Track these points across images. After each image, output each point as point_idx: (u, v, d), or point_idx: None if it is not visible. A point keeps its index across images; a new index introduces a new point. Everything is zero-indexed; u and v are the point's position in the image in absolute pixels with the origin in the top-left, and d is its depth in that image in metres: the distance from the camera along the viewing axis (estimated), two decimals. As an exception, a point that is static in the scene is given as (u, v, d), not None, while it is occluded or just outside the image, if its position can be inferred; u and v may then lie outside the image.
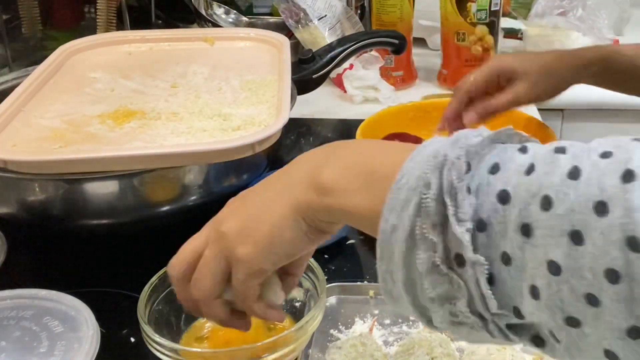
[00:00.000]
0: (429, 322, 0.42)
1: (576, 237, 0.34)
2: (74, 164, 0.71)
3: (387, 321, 0.75)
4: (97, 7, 1.29)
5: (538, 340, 0.38)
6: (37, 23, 1.37)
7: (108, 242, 0.88)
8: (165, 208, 0.83)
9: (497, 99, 0.90)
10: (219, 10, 1.50)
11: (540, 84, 0.90)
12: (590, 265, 0.33)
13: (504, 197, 0.37)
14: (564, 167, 0.36)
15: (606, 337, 0.34)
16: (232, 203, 0.55)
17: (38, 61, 0.93)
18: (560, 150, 0.37)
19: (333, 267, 0.84)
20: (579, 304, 0.34)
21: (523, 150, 0.39)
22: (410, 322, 0.75)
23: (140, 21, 1.43)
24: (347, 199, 0.46)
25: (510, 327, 0.39)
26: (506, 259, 0.37)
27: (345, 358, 0.66)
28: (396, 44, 1.04)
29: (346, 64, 1.26)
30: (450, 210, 0.38)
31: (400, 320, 0.75)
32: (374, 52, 1.31)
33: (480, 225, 0.38)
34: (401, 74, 1.39)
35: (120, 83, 0.91)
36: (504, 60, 0.93)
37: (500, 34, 1.39)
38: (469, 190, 0.38)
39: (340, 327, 0.74)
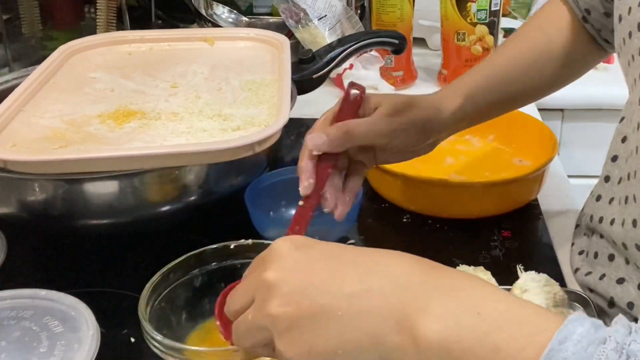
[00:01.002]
0: None
1: None
2: (74, 164, 0.71)
3: (387, 321, 0.75)
4: (97, 7, 1.29)
5: None
6: (37, 23, 1.37)
7: (108, 242, 0.88)
8: (165, 208, 0.83)
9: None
10: (219, 10, 1.50)
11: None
12: None
13: None
14: None
15: None
16: (292, 257, 0.47)
17: (38, 61, 0.93)
18: None
19: (333, 267, 0.84)
20: None
21: None
22: (410, 322, 0.75)
23: (140, 21, 1.43)
24: None
25: None
26: None
27: (345, 358, 0.66)
28: (396, 44, 1.04)
29: (346, 64, 1.26)
30: None
31: (400, 320, 0.75)
32: (374, 52, 1.31)
33: None
34: (401, 74, 1.39)
35: (120, 83, 0.91)
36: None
37: (500, 34, 1.39)
38: None
39: (340, 327, 0.74)
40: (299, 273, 0.46)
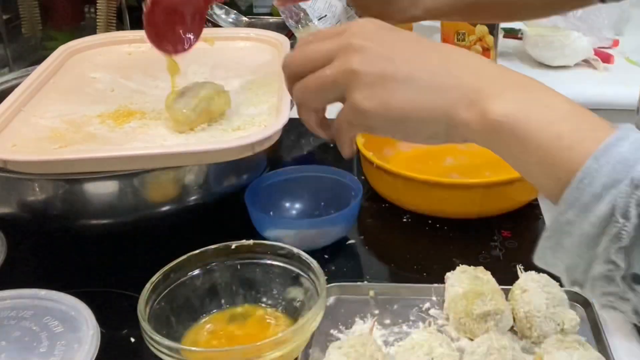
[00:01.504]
0: (575, 286, 0.46)
1: None
2: (74, 164, 0.71)
3: (387, 321, 0.75)
4: (97, 7, 1.29)
5: None
6: (37, 23, 1.37)
7: (108, 242, 0.88)
8: (165, 208, 0.83)
9: None
10: (219, 11, 1.50)
11: None
12: None
13: None
14: None
15: None
16: (378, 33, 0.51)
17: (38, 61, 0.93)
18: None
19: (333, 267, 0.84)
20: None
21: None
22: (410, 322, 0.75)
23: (140, 21, 1.42)
24: (517, 155, 0.46)
25: None
26: None
27: (345, 358, 0.66)
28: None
29: (346, 64, 1.25)
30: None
31: (400, 320, 0.75)
32: (374, 52, 1.31)
33: None
34: (401, 74, 1.39)
35: (120, 83, 0.91)
36: None
37: (500, 34, 1.39)
38: None
39: (340, 327, 0.74)
40: (384, 45, 0.50)
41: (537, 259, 0.47)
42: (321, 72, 0.51)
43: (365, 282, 0.80)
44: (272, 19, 1.56)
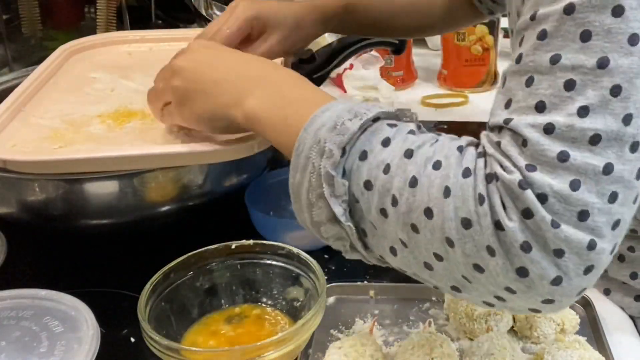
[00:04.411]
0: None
1: (414, 228, 0.49)
2: (74, 164, 0.71)
3: (387, 321, 0.75)
4: (97, 7, 1.29)
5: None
6: (37, 23, 1.37)
7: (108, 242, 0.88)
8: (165, 208, 0.83)
9: (251, 51, 0.82)
10: (219, 11, 1.50)
11: (292, 37, 0.85)
12: (425, 247, 0.50)
13: (368, 186, 0.52)
14: (408, 174, 0.50)
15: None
16: (197, 53, 0.69)
17: (38, 61, 0.93)
18: (408, 155, 0.51)
19: (333, 267, 0.84)
20: (420, 266, 0.51)
21: (385, 143, 0.52)
22: (410, 322, 0.75)
23: (140, 21, 1.43)
24: (268, 136, 0.60)
25: (380, 260, 0.55)
26: (372, 227, 0.53)
27: (345, 358, 0.66)
28: (396, 44, 1.04)
29: (346, 64, 1.26)
30: (327, 192, 0.52)
31: (400, 320, 0.75)
32: (374, 52, 1.31)
33: (352, 200, 0.53)
34: (401, 74, 1.39)
35: (120, 83, 0.91)
36: (260, 9, 0.83)
37: (500, 34, 1.39)
38: (344, 171, 0.52)
39: (340, 327, 0.74)
40: (195, 63, 0.67)
41: (298, 219, 0.57)
42: (155, 85, 0.71)
43: (365, 282, 0.80)
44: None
